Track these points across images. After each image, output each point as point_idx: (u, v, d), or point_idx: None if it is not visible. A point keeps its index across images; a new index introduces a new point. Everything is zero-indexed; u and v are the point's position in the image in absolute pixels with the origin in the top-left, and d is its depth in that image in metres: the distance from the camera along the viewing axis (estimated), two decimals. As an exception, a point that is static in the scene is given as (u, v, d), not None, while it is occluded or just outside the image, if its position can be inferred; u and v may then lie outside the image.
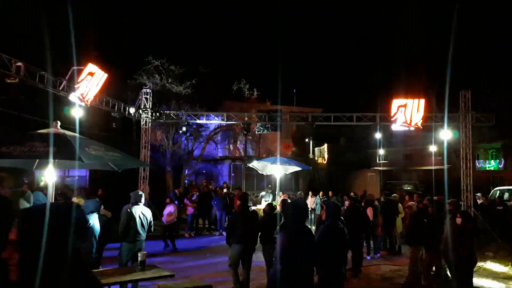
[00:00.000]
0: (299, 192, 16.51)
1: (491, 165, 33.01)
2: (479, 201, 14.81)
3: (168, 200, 12.24)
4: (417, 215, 8.51)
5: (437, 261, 7.87)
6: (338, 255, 4.96)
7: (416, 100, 13.83)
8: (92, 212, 6.26)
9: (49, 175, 5.72)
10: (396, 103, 13.75)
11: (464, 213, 7.36)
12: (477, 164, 31.59)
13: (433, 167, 33.26)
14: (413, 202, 13.23)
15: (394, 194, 14.08)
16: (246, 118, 15.27)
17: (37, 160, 6.10)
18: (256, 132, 17.99)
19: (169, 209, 11.83)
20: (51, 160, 5.17)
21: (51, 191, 5.81)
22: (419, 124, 13.91)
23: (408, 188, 26.83)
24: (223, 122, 15.38)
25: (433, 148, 30.63)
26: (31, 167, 6.48)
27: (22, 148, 5.07)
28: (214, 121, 15.56)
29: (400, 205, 12.73)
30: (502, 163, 32.12)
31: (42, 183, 12.90)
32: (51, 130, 5.57)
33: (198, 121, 15.05)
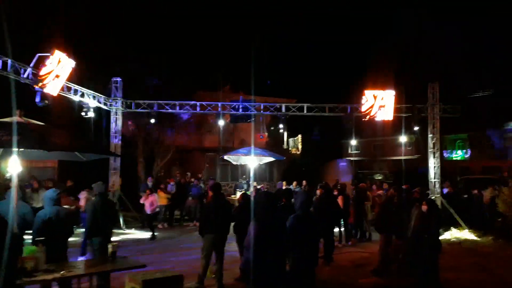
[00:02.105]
0: (279, 183, 16.51)
1: (458, 155, 34.21)
2: (445, 190, 15.32)
3: (148, 191, 12.59)
4: (386, 203, 8.74)
5: (405, 247, 8.11)
6: (309, 243, 5.03)
7: (387, 92, 14.14)
8: (49, 203, 5.77)
9: (13, 166, 5.51)
10: (367, 94, 14.00)
11: (429, 200, 7.60)
12: (444, 154, 32.64)
13: (402, 157, 34.25)
14: (382, 191, 13.65)
15: (362, 183, 14.39)
16: (219, 108, 15.17)
17: (1, 150, 5.87)
18: (230, 122, 17.95)
19: (151, 199, 12.27)
20: (15, 149, 4.98)
21: (15, 182, 5.60)
22: (390, 116, 14.23)
23: (379, 178, 27.48)
24: (196, 112, 15.22)
25: (402, 139, 31.46)
26: (-6, 157, 6.23)
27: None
28: (187, 111, 15.39)
29: (368, 193, 13.05)
30: (469, 153, 33.33)
31: (7, 175, 12.44)
32: (14, 118, 5.36)
33: (170, 111, 14.82)
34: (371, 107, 13.91)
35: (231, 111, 15.41)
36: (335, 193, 11.07)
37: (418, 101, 15.45)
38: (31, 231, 5.54)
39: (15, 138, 4.85)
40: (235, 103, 15.55)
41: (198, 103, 14.98)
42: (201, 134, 25.88)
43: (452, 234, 12.74)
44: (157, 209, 12.78)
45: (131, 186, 16.33)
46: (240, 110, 15.18)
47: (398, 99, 14.74)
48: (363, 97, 14.01)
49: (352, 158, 36.47)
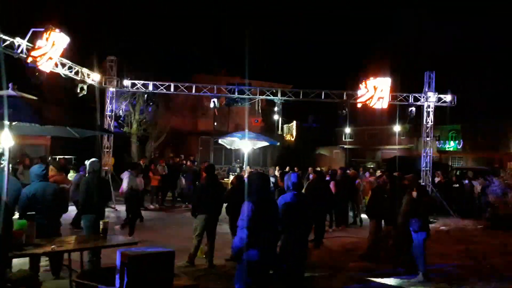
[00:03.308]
0: (271, 168, 16.54)
1: (451, 146, 34.45)
2: (437, 179, 15.48)
3: (133, 171, 12.00)
4: (377, 190, 8.81)
5: (394, 233, 8.20)
6: (301, 226, 5.07)
7: (384, 80, 14.15)
8: (35, 178, 5.64)
9: (5, 140, 5.44)
10: (369, 84, 14.01)
11: (419, 187, 7.66)
12: (437, 144, 32.87)
13: (396, 146, 34.46)
14: (373, 178, 13.75)
15: (352, 169, 14.51)
16: (215, 91, 15.08)
17: (-8, 124, 5.78)
18: (224, 105, 17.86)
19: (138, 180, 11.38)
20: (6, 122, 4.91)
21: (7, 158, 5.54)
22: (385, 104, 14.26)
23: (371, 166, 27.67)
24: (192, 94, 15.11)
25: (396, 128, 31.60)
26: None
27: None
28: (182, 92, 15.28)
29: (358, 180, 13.14)
30: (461, 144, 33.58)
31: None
32: (7, 91, 5.28)
33: (166, 92, 14.71)
34: (371, 97, 13.95)
35: (227, 94, 15.33)
36: (327, 178, 11.14)
37: (413, 89, 15.48)
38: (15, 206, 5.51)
39: (7, 111, 4.78)
40: (231, 86, 15.47)
41: (193, 85, 14.88)
42: (195, 117, 25.81)
43: (441, 222, 12.93)
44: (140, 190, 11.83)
45: (123, 166, 16.30)
46: (236, 93, 15.11)
47: (393, 87, 14.76)
48: (363, 86, 13.99)
49: (345, 146, 36.62)
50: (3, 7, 8.91)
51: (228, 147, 18.15)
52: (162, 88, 14.50)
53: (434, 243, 9.16)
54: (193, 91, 14.94)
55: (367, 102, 14.11)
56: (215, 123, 26.61)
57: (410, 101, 14.97)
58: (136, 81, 14.40)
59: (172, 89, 14.61)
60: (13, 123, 5.27)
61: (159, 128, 20.86)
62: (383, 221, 8.30)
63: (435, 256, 8.30)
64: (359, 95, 14.22)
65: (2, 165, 6.06)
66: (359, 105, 14.30)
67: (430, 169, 14.93)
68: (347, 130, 37.21)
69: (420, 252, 6.90)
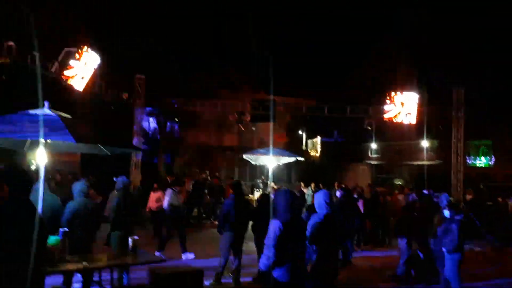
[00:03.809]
0: (297, 184, 16.48)
1: (482, 162, 33.33)
2: (468, 196, 14.96)
3: (155, 186, 12.05)
4: (407, 208, 8.61)
5: (426, 253, 7.95)
6: (330, 245, 4.97)
7: (410, 94, 13.95)
8: (79, 195, 5.98)
9: (40, 157, 5.61)
10: (396, 100, 13.87)
11: (452, 206, 7.42)
12: (467, 160, 31.86)
13: (424, 162, 33.64)
14: (402, 196, 13.42)
15: (381, 188, 14.19)
16: (239, 108, 15.21)
17: (28, 141, 5.98)
18: (250, 122, 17.94)
19: (157, 195, 11.61)
20: (42, 140, 5.07)
21: (42, 174, 5.71)
22: (413, 119, 14.03)
23: (399, 183, 27.05)
24: (217, 111, 15.30)
25: (425, 143, 30.87)
26: (21, 148, 6.35)
27: (13, 127, 4.98)
28: (207, 109, 15.48)
29: (388, 197, 12.84)
30: (492, 160, 32.43)
31: (32, 166, 12.74)
32: (44, 110, 5.46)
33: (191, 109, 14.95)
34: (398, 113, 13.80)
35: (252, 110, 15.43)
36: (355, 196, 10.94)
37: (442, 104, 15.18)
38: (56, 222, 5.65)
39: (42, 129, 4.94)
40: (255, 103, 15.57)
41: (219, 102, 15.07)
42: (220, 133, 26.03)
43: (474, 242, 12.41)
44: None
45: (151, 182, 16.52)
46: (261, 109, 15.19)
47: (421, 102, 14.52)
48: (389, 102, 13.84)
49: (372, 162, 36.00)
50: (38, 28, 9.33)
51: (253, 162, 18.15)
52: (188, 105, 14.74)
53: (467, 263, 8.80)
54: (219, 107, 15.11)
55: (395, 118, 13.93)
56: (240, 139, 26.75)
57: (437, 117, 14.66)
58: (163, 98, 14.70)
59: (198, 106, 14.82)
60: (48, 140, 5.43)
61: (185, 145, 21.14)
62: (413, 240, 8.07)
63: (468, 276, 7.97)
64: (385, 110, 14.04)
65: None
66: (388, 120, 14.13)
67: (461, 186, 14.47)
68: (373, 145, 36.65)
69: (454, 274, 6.64)
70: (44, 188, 5.62)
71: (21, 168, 3.06)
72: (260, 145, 22.89)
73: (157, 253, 8.99)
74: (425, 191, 11.93)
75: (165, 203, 9.98)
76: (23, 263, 2.44)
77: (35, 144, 5.76)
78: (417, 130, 25.73)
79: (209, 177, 16.93)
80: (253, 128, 25.66)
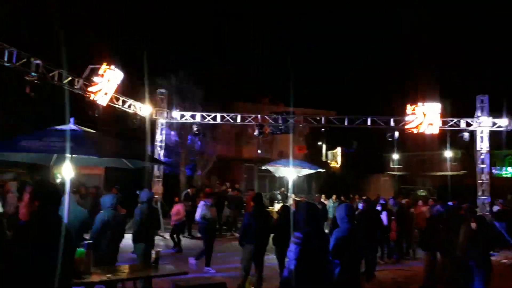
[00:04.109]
0: (316, 195, 16.38)
1: (508, 172, 32.37)
2: (496, 208, 14.53)
3: (177, 199, 12.22)
4: (432, 220, 8.41)
5: (452, 266, 7.74)
6: (353, 259, 4.91)
7: (433, 104, 13.74)
8: (109, 207, 6.19)
9: (66, 172, 5.77)
10: (417, 111, 13.68)
11: (478, 217, 7.23)
12: (493, 170, 30.98)
13: (448, 173, 32.90)
14: (426, 207, 13.11)
15: (406, 199, 13.92)
16: (259, 120, 15.27)
17: (54, 155, 6.16)
18: (269, 134, 17.97)
19: (177, 208, 11.77)
20: (68, 155, 5.22)
21: (68, 188, 5.87)
22: (436, 130, 13.79)
23: (422, 193, 26.50)
24: (237, 123, 15.41)
25: (448, 154, 30.24)
26: (48, 162, 6.54)
27: (41, 143, 5.15)
28: (227, 122, 15.62)
29: (412, 210, 12.58)
30: (520, 170, 31.47)
31: (58, 180, 13.06)
32: (69, 126, 5.63)
33: (212, 122, 15.10)
34: (420, 124, 13.60)
35: (271, 122, 15.47)
36: (379, 208, 10.77)
37: (465, 113, 14.87)
38: (82, 234, 5.80)
39: (69, 145, 5.09)
40: (274, 115, 15.61)
41: (239, 115, 15.17)
42: (240, 145, 26.15)
43: (503, 255, 12.01)
44: (183, 219, 11.93)
45: (172, 194, 16.68)
46: (280, 121, 15.22)
47: (444, 112, 14.26)
48: (410, 111, 13.66)
49: (394, 173, 35.41)
50: (64, 45, 9.68)
51: (273, 174, 18.14)
52: (208, 118, 14.90)
53: (496, 277, 8.50)
54: (238, 120, 15.22)
55: (416, 129, 13.73)
56: (259, 151, 26.79)
57: (461, 126, 14.37)
58: (184, 113, 14.92)
59: (218, 119, 14.97)
60: (74, 155, 5.59)
61: (205, 157, 21.32)
62: (438, 253, 7.88)
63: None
64: (407, 121, 13.86)
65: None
66: (410, 131, 13.92)
67: (487, 197, 14.07)
68: (395, 156, 36.04)
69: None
70: (71, 201, 5.78)
71: (51, 183, 3.17)
72: (279, 157, 22.87)
73: (192, 261, 9.04)
74: (450, 203, 11.66)
75: (197, 215, 9.95)
76: (52, 276, 2.51)
77: (61, 158, 5.94)
78: (440, 140, 25.24)
79: (229, 189, 16.98)
80: (272, 140, 25.76)
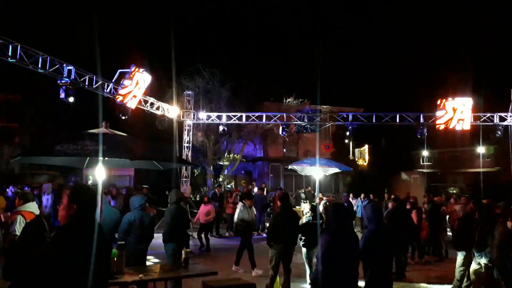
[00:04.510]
0: (344, 194, 16.21)
1: (545, 167, 31.02)
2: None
3: (206, 199, 12.29)
4: (465, 219, 8.17)
5: (487, 267, 7.49)
6: (383, 260, 4.84)
7: (464, 100, 13.34)
8: (137, 208, 6.30)
9: (99, 174, 5.96)
10: (447, 106, 13.32)
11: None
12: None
13: (481, 169, 31.83)
14: (459, 205, 12.76)
15: (438, 197, 13.58)
16: (285, 119, 15.24)
17: (88, 158, 6.36)
18: (295, 133, 17.92)
19: (207, 208, 11.86)
20: (101, 158, 5.39)
21: (100, 189, 6.05)
22: (467, 125, 13.39)
23: (454, 191, 25.77)
24: (262, 122, 15.44)
25: (481, 150, 29.27)
26: (81, 165, 6.76)
27: (75, 146, 5.34)
28: (253, 122, 15.68)
29: (443, 208, 12.27)
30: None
31: (90, 182, 13.48)
32: (101, 130, 5.82)
33: (238, 122, 15.20)
34: (450, 119, 13.22)
35: (297, 121, 15.41)
36: (408, 206, 10.55)
37: (499, 108, 14.37)
38: (114, 235, 5.97)
39: (101, 148, 5.25)
40: (300, 113, 15.53)
41: (264, 114, 15.20)
42: (265, 144, 26.16)
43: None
44: (212, 219, 12.12)
45: (199, 193, 16.92)
46: (306, 120, 15.13)
47: (476, 107, 13.83)
48: (441, 108, 13.31)
49: (424, 170, 34.56)
50: (95, 51, 9.98)
51: (299, 172, 18.07)
52: (234, 118, 15.01)
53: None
54: (263, 120, 15.24)
55: (446, 125, 13.36)
56: (285, 150, 26.73)
57: (495, 121, 13.90)
58: (211, 113, 15.09)
59: (244, 119, 15.05)
60: (106, 158, 5.76)
61: (232, 157, 21.47)
62: (472, 253, 7.64)
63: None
64: (437, 116, 13.51)
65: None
66: (439, 127, 13.55)
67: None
68: (425, 152, 35.14)
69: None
70: (103, 202, 5.96)
71: (88, 186, 3.29)
72: (305, 156, 22.77)
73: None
74: (484, 201, 11.28)
75: (236, 216, 9.93)
76: (91, 277, 2.61)
77: (94, 161, 6.13)
78: (472, 136, 24.46)
79: (255, 189, 17.03)
80: (298, 139, 25.65)
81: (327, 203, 8.60)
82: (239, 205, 9.94)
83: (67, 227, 2.78)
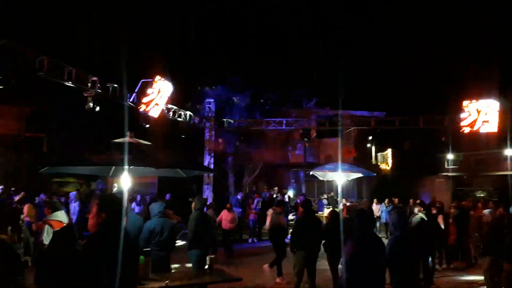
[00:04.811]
0: (364, 200, 16.05)
1: None
2: None
3: (228, 206, 12.26)
4: (495, 223, 7.96)
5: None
6: (410, 266, 4.76)
7: (490, 102, 13.02)
8: (157, 215, 6.31)
9: (124, 182, 6.08)
10: (470, 107, 13.04)
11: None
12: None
13: (509, 173, 30.84)
14: (487, 210, 12.41)
15: (465, 202, 13.25)
16: (305, 125, 15.22)
17: (113, 167, 6.51)
18: (315, 138, 17.86)
19: (231, 215, 11.82)
20: (126, 167, 5.50)
21: (126, 197, 6.17)
22: (494, 128, 13.06)
23: (481, 195, 25.05)
24: (283, 128, 15.45)
25: (508, 152, 28.36)
26: (107, 173, 6.93)
27: (101, 156, 5.49)
28: (273, 127, 15.70)
29: (471, 212, 11.96)
30: None
31: (115, 189, 13.75)
32: (126, 139, 5.94)
33: (257, 128, 15.26)
34: (474, 121, 12.91)
35: (318, 127, 15.36)
36: (434, 211, 10.33)
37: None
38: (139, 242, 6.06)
39: (127, 157, 5.37)
40: (321, 118, 15.49)
41: (284, 120, 15.21)
42: (286, 150, 26.11)
43: None
44: (235, 227, 12.12)
45: (221, 200, 16.99)
46: (327, 125, 15.07)
47: (504, 109, 13.47)
48: (465, 110, 13.03)
49: (449, 174, 33.75)
50: (118, 61, 10.23)
51: (321, 178, 17.93)
52: (255, 125, 15.08)
53: None
54: (284, 126, 15.25)
55: (470, 127, 13.05)
56: (306, 156, 26.60)
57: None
58: (231, 120, 15.20)
59: (264, 125, 15.10)
60: (132, 167, 5.88)
61: (253, 163, 21.52)
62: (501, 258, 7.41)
63: None
64: (461, 119, 13.23)
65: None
66: (465, 130, 13.24)
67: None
68: (450, 156, 34.32)
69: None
70: (129, 210, 6.08)
71: (116, 195, 3.38)
72: (327, 161, 22.60)
73: (265, 268, 9.05)
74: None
75: (267, 223, 9.79)
76: (120, 284, 2.67)
77: (119, 169, 6.27)
78: (499, 138, 23.76)
79: (276, 195, 17.01)
80: (319, 145, 25.50)
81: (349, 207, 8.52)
82: (270, 212, 9.79)
83: (97, 235, 2.86)
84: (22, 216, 9.98)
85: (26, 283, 4.10)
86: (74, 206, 12.25)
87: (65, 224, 5.53)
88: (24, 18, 14.97)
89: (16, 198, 11.92)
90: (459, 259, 10.88)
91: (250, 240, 14.18)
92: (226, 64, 18.61)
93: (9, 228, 4.27)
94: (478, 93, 14.01)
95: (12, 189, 12.77)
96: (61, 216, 5.84)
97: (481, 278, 7.94)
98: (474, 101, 13.12)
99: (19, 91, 14.26)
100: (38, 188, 13.07)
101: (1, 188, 12.22)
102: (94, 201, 3.05)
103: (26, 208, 10.60)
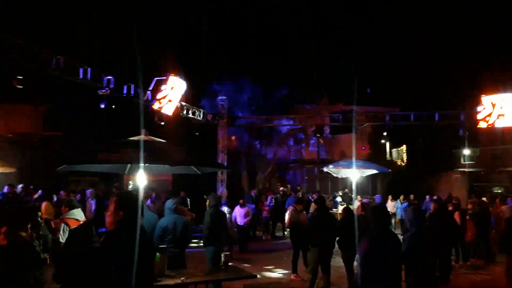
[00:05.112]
0: (376, 196, 15.93)
1: None
2: None
3: (241, 202, 12.22)
4: (513, 220, 7.80)
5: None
6: (425, 263, 4.72)
7: (504, 95, 12.76)
8: (169, 211, 6.31)
9: (140, 179, 6.14)
10: (484, 101, 12.78)
11: None
12: None
13: (527, 168, 30.15)
14: (505, 206, 12.18)
15: (484, 198, 13.03)
16: (318, 121, 15.14)
17: (129, 165, 6.58)
18: (329, 135, 17.76)
19: (245, 210, 11.85)
20: (142, 164, 5.56)
21: (141, 195, 6.23)
22: (509, 122, 12.80)
23: (499, 191, 24.58)
24: (295, 126, 15.41)
25: (527, 147, 27.75)
26: (123, 171, 7.00)
27: (117, 154, 5.55)
28: (286, 124, 15.68)
29: (490, 208, 11.76)
30: None
31: (130, 187, 13.90)
32: (141, 137, 5.99)
33: (270, 125, 15.25)
34: (489, 115, 12.65)
35: (331, 123, 15.27)
36: (450, 208, 10.19)
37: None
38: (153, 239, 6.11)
39: (142, 155, 5.42)
40: (334, 115, 15.39)
41: (297, 117, 15.17)
42: (300, 147, 26.04)
43: None
44: (249, 222, 12.04)
45: (235, 197, 17.01)
46: (340, 121, 14.96)
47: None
48: (480, 104, 12.79)
49: (466, 169, 33.25)
50: (132, 60, 10.31)
51: (335, 175, 17.83)
52: (268, 121, 15.07)
53: None
54: (297, 122, 15.20)
55: (485, 121, 12.80)
56: (320, 152, 26.48)
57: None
58: (244, 117, 15.23)
59: (277, 122, 15.08)
60: (147, 164, 5.93)
61: (266, 160, 21.53)
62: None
63: None
64: (477, 112, 12.99)
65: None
66: (482, 125, 13.00)
67: None
68: (466, 151, 33.76)
69: None
70: (145, 207, 6.14)
71: (133, 193, 3.41)
72: (341, 157, 22.44)
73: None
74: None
75: (287, 221, 9.51)
76: (137, 281, 2.70)
77: (135, 167, 6.33)
78: (517, 133, 23.25)
79: (291, 192, 16.98)
80: (333, 141, 25.35)
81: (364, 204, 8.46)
82: (290, 209, 9.62)
83: (115, 233, 2.90)
84: (39, 213, 10.14)
85: (45, 279, 4.20)
86: (91, 203, 12.39)
87: (81, 222, 5.62)
88: (38, 18, 15.22)
89: (35, 196, 12.13)
90: (476, 256, 10.71)
91: (264, 237, 14.20)
92: (239, 61, 18.63)
93: (29, 225, 4.34)
94: (493, 87, 13.74)
95: (31, 186, 13.00)
96: (77, 214, 5.93)
97: (501, 275, 7.81)
98: (493, 96, 12.88)
99: (36, 90, 14.50)
100: (55, 186, 13.28)
101: (21, 187, 12.45)
102: (112, 198, 3.09)
103: (43, 205, 10.76)
